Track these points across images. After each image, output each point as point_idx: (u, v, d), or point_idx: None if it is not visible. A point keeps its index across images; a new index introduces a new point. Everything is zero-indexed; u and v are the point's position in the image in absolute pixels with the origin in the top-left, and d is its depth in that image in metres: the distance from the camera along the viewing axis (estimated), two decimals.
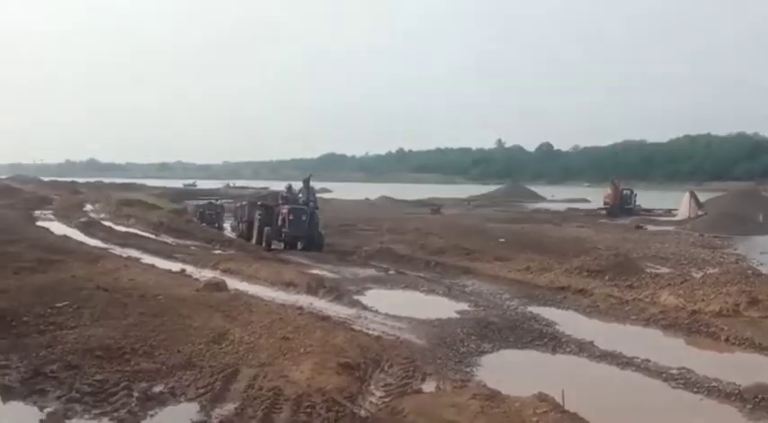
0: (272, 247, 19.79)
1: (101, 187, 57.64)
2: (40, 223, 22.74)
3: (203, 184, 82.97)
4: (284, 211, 20.26)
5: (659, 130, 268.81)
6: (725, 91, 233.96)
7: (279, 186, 28.31)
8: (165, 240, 19.34)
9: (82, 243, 16.61)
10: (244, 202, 24.85)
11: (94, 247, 15.84)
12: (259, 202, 22.37)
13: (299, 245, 20.17)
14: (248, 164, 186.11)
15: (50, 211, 29.42)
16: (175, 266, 13.19)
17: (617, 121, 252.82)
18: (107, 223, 23.41)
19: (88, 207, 32.72)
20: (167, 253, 15.62)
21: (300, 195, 21.24)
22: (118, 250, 15.70)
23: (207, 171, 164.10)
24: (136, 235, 19.89)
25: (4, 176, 78.27)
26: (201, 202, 30.10)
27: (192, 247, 17.68)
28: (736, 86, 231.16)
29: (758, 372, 6.98)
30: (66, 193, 45.81)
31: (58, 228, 21.20)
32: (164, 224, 22.51)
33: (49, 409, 5.43)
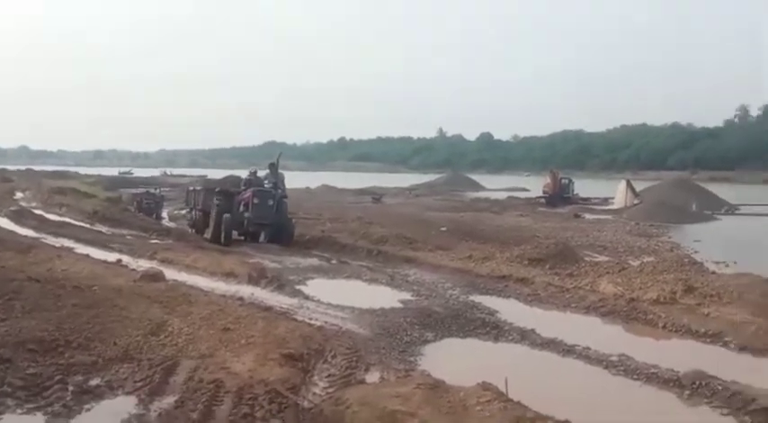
0: (230, 238, 17.29)
1: (32, 175, 55.87)
2: None
3: (139, 173, 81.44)
4: (247, 194, 17.86)
5: (596, 120, 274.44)
6: (661, 81, 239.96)
7: (217, 175, 27.83)
8: (100, 230, 18.79)
9: (12, 232, 16.01)
10: (197, 187, 21.45)
11: (26, 237, 15.27)
12: (217, 188, 19.26)
13: (263, 236, 17.67)
14: (185, 152, 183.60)
15: None
16: (111, 256, 12.82)
17: (555, 111, 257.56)
18: (38, 212, 22.64)
19: (19, 195, 31.70)
20: (102, 243, 15.18)
21: (266, 182, 18.68)
22: (51, 240, 15.20)
23: (143, 159, 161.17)
24: (69, 224, 19.28)
25: None
26: (139, 191, 29.44)
27: (129, 237, 17.19)
28: (672, 77, 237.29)
29: (695, 358, 7.14)
30: None
31: None
32: (98, 213, 21.82)
33: None
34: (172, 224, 23.31)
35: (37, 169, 70.83)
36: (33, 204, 26.41)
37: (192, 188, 22.39)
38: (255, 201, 17.46)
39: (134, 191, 31.41)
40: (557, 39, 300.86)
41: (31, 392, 5.48)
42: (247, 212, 17.38)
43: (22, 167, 74.07)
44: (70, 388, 5.61)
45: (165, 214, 26.45)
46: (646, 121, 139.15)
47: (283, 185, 18.97)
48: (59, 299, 8.05)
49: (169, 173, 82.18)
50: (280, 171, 19.28)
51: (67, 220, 20.71)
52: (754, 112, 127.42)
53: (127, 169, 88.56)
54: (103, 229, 19.10)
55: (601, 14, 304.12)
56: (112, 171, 79.43)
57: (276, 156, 20.16)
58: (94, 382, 5.81)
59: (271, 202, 17.58)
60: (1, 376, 5.70)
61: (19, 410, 5.21)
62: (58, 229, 17.47)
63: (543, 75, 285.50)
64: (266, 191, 17.87)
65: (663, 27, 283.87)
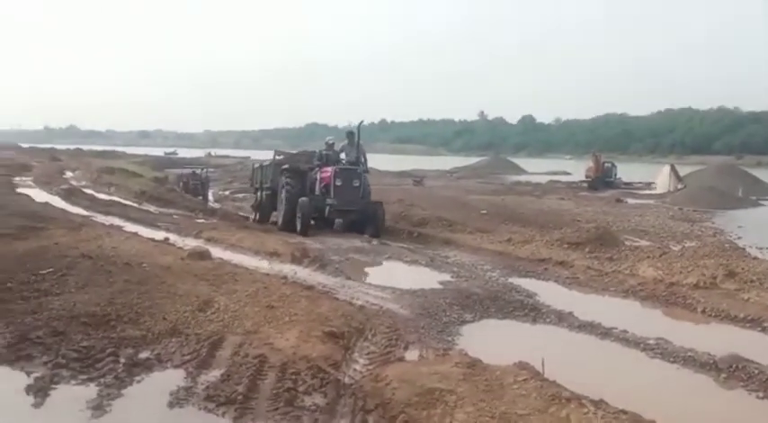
0: (308, 226, 14.51)
1: (80, 154, 57.20)
2: (20, 190, 22.53)
3: (184, 153, 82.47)
4: (327, 172, 14.98)
5: (641, 104, 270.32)
6: (707, 64, 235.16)
7: (261, 156, 28.08)
8: (148, 209, 19.26)
9: (64, 210, 16.53)
10: (263, 163, 18.96)
11: (76, 215, 15.75)
12: (285, 165, 16.46)
13: (336, 223, 15.44)
14: (230, 133, 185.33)
15: (30, 179, 29.12)
16: (159, 235, 13.16)
17: (599, 94, 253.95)
18: (88, 191, 23.27)
19: (68, 174, 32.51)
20: (150, 221, 15.57)
21: (343, 155, 15.90)
22: (100, 218, 15.64)
23: (187, 139, 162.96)
24: (118, 203, 19.78)
25: None
26: (185, 172, 29.91)
27: (175, 217, 17.57)
28: (718, 60, 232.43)
29: (733, 343, 7.13)
30: (46, 159, 45.38)
31: (39, 195, 21.03)
32: (146, 193, 22.35)
33: (36, 375, 5.44)
34: (217, 205, 23.66)
35: (85, 149, 72.24)
36: (83, 183, 27.11)
37: (257, 164, 20.03)
38: (338, 182, 14.69)
39: (179, 171, 31.92)
40: (599, 23, 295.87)
41: (85, 364, 5.70)
42: (329, 197, 14.68)
43: (71, 147, 75.58)
44: (121, 360, 5.81)
45: (210, 195, 26.88)
46: (691, 104, 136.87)
47: (365, 160, 16.12)
48: (111, 275, 8.35)
49: (213, 153, 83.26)
50: (360, 142, 16.18)
51: (116, 199, 21.25)
52: None
53: (172, 150, 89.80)
54: (151, 208, 19.56)
55: None
56: (158, 151, 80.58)
57: (357, 124, 16.79)
58: (144, 355, 6.02)
59: (356, 183, 14.89)
60: (55, 348, 5.97)
61: (73, 381, 5.43)
62: (108, 208, 17.93)
63: (587, 58, 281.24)
64: (351, 169, 15.09)
65: (708, 9, 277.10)
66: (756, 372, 6.18)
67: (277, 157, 17.70)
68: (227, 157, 76.65)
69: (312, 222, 14.88)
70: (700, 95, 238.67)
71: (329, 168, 15.05)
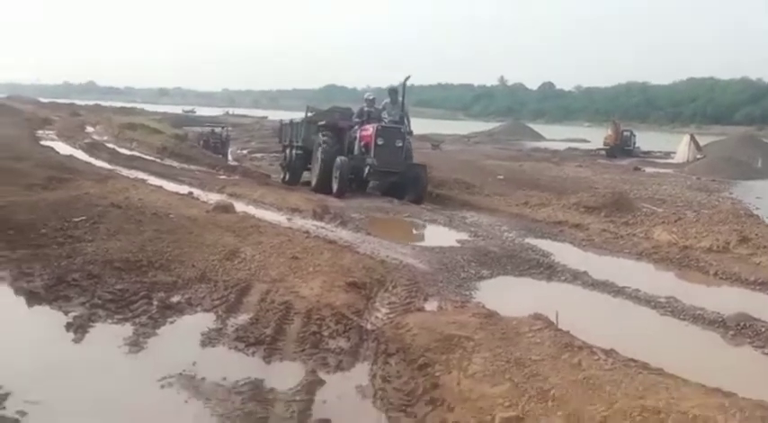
0: (346, 188, 13.87)
1: (100, 110, 57.44)
2: (44, 143, 22.86)
3: (202, 112, 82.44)
4: (368, 130, 14.02)
5: (662, 72, 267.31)
6: (729, 35, 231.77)
7: (279, 116, 28.11)
8: (170, 164, 19.52)
9: (88, 163, 16.86)
10: (294, 120, 18.17)
11: (101, 168, 16.06)
12: (322, 122, 15.66)
13: (369, 186, 14.53)
14: (248, 92, 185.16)
15: (53, 132, 29.52)
16: (182, 189, 13.44)
17: (620, 62, 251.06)
18: (110, 146, 23.58)
19: (89, 129, 32.82)
20: (173, 176, 15.84)
21: (385, 114, 14.90)
22: (125, 172, 15.91)
23: (206, 98, 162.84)
24: (140, 158, 20.06)
25: (1, 95, 77.79)
26: (206, 129, 30.05)
27: (197, 173, 17.82)
28: (739, 31, 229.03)
29: (742, 303, 7.36)
30: (66, 114, 45.75)
31: (63, 148, 21.37)
32: (167, 149, 22.59)
33: (74, 313, 5.71)
34: (235, 163, 23.83)
35: (105, 105, 72.48)
36: (105, 138, 27.44)
37: (287, 121, 19.07)
38: (380, 141, 13.70)
39: (200, 129, 32.09)
40: None
41: (119, 305, 5.98)
42: (369, 157, 13.75)
43: (90, 103, 75.90)
44: (154, 303, 6.09)
45: (228, 154, 27.07)
46: (713, 74, 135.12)
47: (409, 120, 15.03)
48: (140, 224, 8.62)
49: (231, 112, 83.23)
50: (400, 99, 15.00)
51: (138, 154, 21.50)
52: None
53: (190, 108, 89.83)
54: (173, 163, 19.79)
55: None
56: (176, 109, 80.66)
57: (403, 80, 15.33)
58: (176, 299, 6.29)
59: (399, 143, 13.89)
60: (92, 290, 6.26)
61: (109, 320, 5.71)
62: (130, 163, 18.22)
63: (607, 24, 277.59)
64: (394, 128, 14.02)
65: None
66: (763, 329, 6.42)
67: (310, 114, 17.07)
68: (244, 116, 76.60)
69: (350, 184, 14.19)
70: (723, 65, 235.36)
71: (370, 126, 14.05)
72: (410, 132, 14.74)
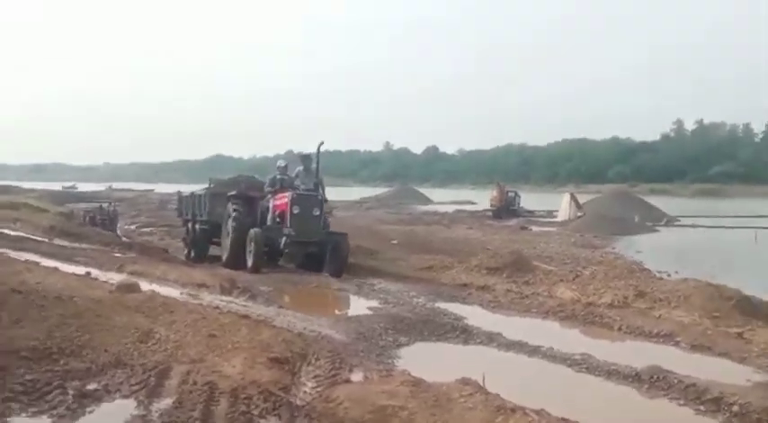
0: (263, 261, 13.21)
1: None
2: None
3: (83, 187, 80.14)
4: (283, 198, 13.36)
5: (539, 134, 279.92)
6: (598, 96, 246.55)
7: (165, 189, 27.69)
8: (61, 244, 18.74)
9: None
10: (196, 192, 17.40)
11: None
12: (232, 192, 14.86)
13: (290, 258, 13.72)
14: (131, 165, 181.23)
15: None
16: (79, 270, 12.86)
17: (499, 125, 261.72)
18: None
19: None
20: (67, 256, 15.18)
21: (298, 182, 14.10)
22: (13, 254, 15.17)
23: (86, 172, 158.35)
24: (28, 239, 19.11)
25: None
26: (91, 206, 29.22)
27: (91, 251, 17.21)
28: (608, 91, 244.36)
29: (650, 356, 7.70)
30: None
31: None
32: (55, 228, 21.68)
33: None
34: (126, 239, 23.17)
35: None
36: None
37: (188, 193, 18.34)
38: (296, 210, 13.04)
39: (84, 206, 31.18)
40: (501, 55, 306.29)
41: (33, 397, 5.65)
42: (285, 226, 13.05)
43: None
44: (70, 392, 5.79)
45: (118, 230, 26.35)
46: (585, 135, 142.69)
47: (323, 187, 14.30)
48: (44, 309, 8.21)
49: (115, 187, 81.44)
50: (314, 166, 14.23)
51: (24, 234, 20.55)
52: (689, 126, 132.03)
53: (71, 184, 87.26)
54: (64, 243, 18.97)
55: (538, 28, 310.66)
56: (55, 186, 78.01)
57: (317, 145, 14.10)
58: (92, 386, 6.01)
59: (317, 212, 13.32)
60: (0, 383, 5.95)
61: (24, 414, 5.41)
62: (18, 244, 17.33)
63: (486, 89, 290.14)
64: (310, 195, 13.42)
65: (600, 44, 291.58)
66: (676, 381, 6.72)
67: (212, 185, 16.45)
68: (129, 190, 75.08)
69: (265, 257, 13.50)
70: (594, 126, 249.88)
71: (286, 194, 13.42)
72: (325, 200, 14.16)
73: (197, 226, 16.60)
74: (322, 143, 13.99)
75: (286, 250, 13.31)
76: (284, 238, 13.02)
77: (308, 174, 14.14)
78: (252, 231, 13.22)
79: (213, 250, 16.28)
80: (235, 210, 14.11)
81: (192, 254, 16.65)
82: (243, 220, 13.83)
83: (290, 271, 13.86)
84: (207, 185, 17.06)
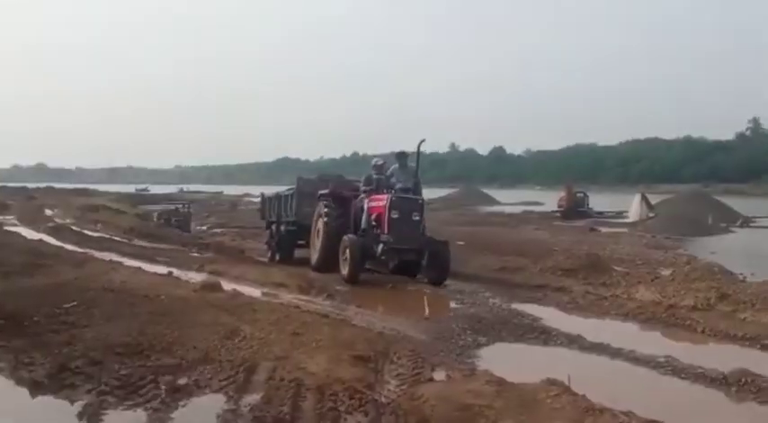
0: (360, 269, 12.38)
1: (53, 193, 56.89)
2: (7, 228, 22.51)
3: (155, 189, 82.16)
4: (380, 201, 12.46)
5: (609, 134, 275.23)
6: (672, 96, 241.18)
7: (234, 190, 28.24)
8: (141, 244, 19.34)
9: (60, 247, 16.64)
10: (282, 193, 16.75)
11: (74, 252, 15.86)
12: (323, 191, 14.11)
13: (389, 264, 12.82)
14: (201, 168, 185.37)
15: (12, 217, 29.09)
16: (161, 269, 13.32)
17: (569, 125, 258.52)
18: (75, 228, 23.32)
19: (48, 212, 32.42)
20: (148, 256, 15.72)
21: (394, 179, 13.18)
22: (97, 254, 15.74)
23: (158, 175, 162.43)
24: (109, 239, 19.87)
25: None
26: (169, 208, 29.92)
27: (170, 251, 17.70)
28: (683, 92, 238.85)
29: (736, 359, 7.53)
30: (21, 198, 45.17)
31: (28, 233, 21.07)
32: (135, 229, 22.42)
33: (83, 402, 5.63)
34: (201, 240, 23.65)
35: (56, 187, 71.76)
36: (68, 221, 27.11)
37: (272, 194, 17.78)
38: (394, 214, 12.08)
39: (159, 208, 31.93)
40: (569, 54, 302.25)
41: (128, 391, 5.89)
42: (383, 233, 12.11)
43: (42, 185, 75.07)
44: (162, 387, 6.00)
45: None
46: (658, 134, 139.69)
47: (420, 185, 13.31)
48: (134, 307, 8.58)
49: (186, 189, 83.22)
50: (411, 164, 13.43)
51: (106, 235, 21.28)
52: (766, 124, 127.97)
53: (143, 186, 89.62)
54: (144, 243, 19.60)
55: (612, 28, 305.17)
56: (129, 188, 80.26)
57: (417, 144, 13.15)
58: (183, 381, 6.21)
59: (417, 217, 12.37)
60: (97, 377, 6.18)
61: (120, 407, 5.63)
62: (101, 244, 18.02)
63: (556, 89, 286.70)
64: (410, 199, 12.50)
65: (673, 41, 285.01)
66: (765, 385, 6.57)
67: (301, 184, 15.79)
68: (199, 192, 76.71)
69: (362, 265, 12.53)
70: (666, 126, 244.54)
71: (383, 196, 12.43)
72: (423, 200, 13.03)
73: (284, 227, 16.04)
74: (423, 141, 13.04)
75: (383, 257, 12.47)
76: (381, 246, 12.14)
77: (404, 172, 13.28)
78: (347, 238, 12.38)
79: (300, 253, 16.09)
80: (327, 211, 13.36)
81: (277, 257, 16.15)
82: (335, 222, 13.17)
83: (382, 275, 13.45)
84: (290, 186, 16.68)
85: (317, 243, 13.60)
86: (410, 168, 13.27)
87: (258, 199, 19.51)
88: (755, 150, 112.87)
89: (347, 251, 12.17)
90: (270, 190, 18.44)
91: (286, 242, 15.83)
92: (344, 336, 7.71)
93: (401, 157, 13.51)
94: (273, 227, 16.84)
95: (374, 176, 13.34)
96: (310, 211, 14.20)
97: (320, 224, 13.46)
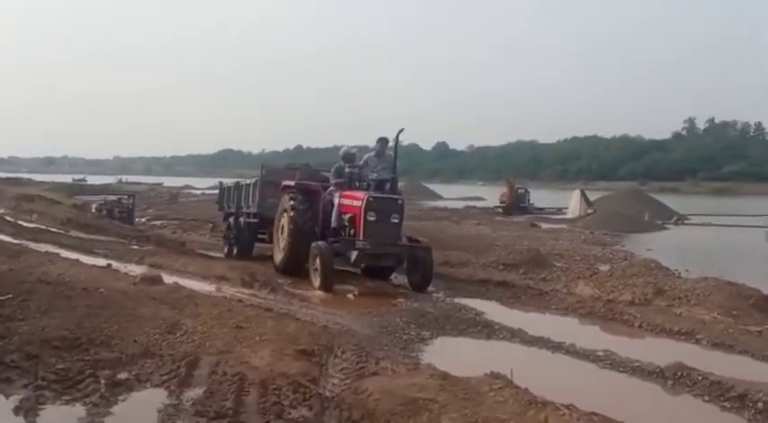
0: (333, 274, 10.99)
1: None
2: None
3: (93, 180, 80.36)
4: (355, 198, 11.26)
5: (549, 132, 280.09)
6: (609, 94, 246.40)
7: (174, 182, 27.82)
8: (79, 236, 18.86)
9: None
10: (243, 182, 15.67)
11: (8, 243, 15.39)
12: (288, 182, 12.76)
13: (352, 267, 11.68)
14: (140, 159, 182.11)
15: None
16: (100, 261, 13.01)
17: (510, 122, 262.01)
18: (9, 218, 22.64)
19: None
20: (86, 248, 15.31)
21: (367, 170, 12.09)
22: (32, 246, 15.30)
23: (96, 166, 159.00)
24: (45, 231, 19.29)
25: None
26: (108, 199, 29.31)
27: (109, 243, 17.29)
28: (619, 89, 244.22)
29: (672, 353, 7.75)
30: None
31: None
32: (72, 220, 21.86)
33: (19, 396, 5.47)
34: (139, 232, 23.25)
35: None
36: (1, 211, 26.26)
37: (231, 183, 16.60)
38: (371, 216, 10.88)
39: (99, 199, 31.29)
40: (511, 54, 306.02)
41: (66, 385, 5.74)
42: (358, 238, 10.94)
43: None
44: (102, 381, 5.87)
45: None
46: (597, 132, 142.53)
47: (396, 177, 12.02)
48: (71, 300, 8.34)
49: (125, 180, 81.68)
50: (389, 153, 12.16)
51: (42, 226, 20.71)
52: (701, 124, 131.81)
53: (81, 176, 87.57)
54: (81, 235, 19.12)
55: (553, 30, 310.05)
56: (65, 178, 78.29)
57: (396, 133, 12.04)
58: (123, 375, 6.08)
59: (396, 219, 11.17)
60: (33, 371, 6.01)
61: (58, 402, 5.48)
62: (37, 236, 17.49)
63: (499, 87, 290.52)
64: (389, 199, 11.32)
65: (613, 42, 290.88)
66: (700, 378, 6.76)
67: (264, 173, 14.52)
68: (138, 183, 75.38)
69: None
70: (604, 124, 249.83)
71: (358, 195, 11.20)
72: (401, 197, 11.86)
73: (244, 220, 14.91)
74: (402, 130, 11.86)
75: (360, 261, 11.39)
76: (356, 253, 11.00)
77: (382, 161, 12.08)
78: (316, 247, 11.11)
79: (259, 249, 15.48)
80: (293, 203, 12.03)
81: (235, 251, 15.13)
82: (302, 218, 11.90)
83: (353, 277, 12.68)
84: (235, 179, 15.88)
85: (282, 241, 12.54)
86: (388, 157, 12.11)
87: (199, 191, 19.15)
88: (691, 149, 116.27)
89: (317, 260, 11.03)
90: (209, 182, 18.04)
91: (245, 236, 14.81)
92: (288, 330, 7.64)
93: (382, 142, 12.17)
94: (231, 219, 15.87)
95: (346, 169, 12.07)
96: (274, 203, 13.11)
97: (285, 220, 12.32)
